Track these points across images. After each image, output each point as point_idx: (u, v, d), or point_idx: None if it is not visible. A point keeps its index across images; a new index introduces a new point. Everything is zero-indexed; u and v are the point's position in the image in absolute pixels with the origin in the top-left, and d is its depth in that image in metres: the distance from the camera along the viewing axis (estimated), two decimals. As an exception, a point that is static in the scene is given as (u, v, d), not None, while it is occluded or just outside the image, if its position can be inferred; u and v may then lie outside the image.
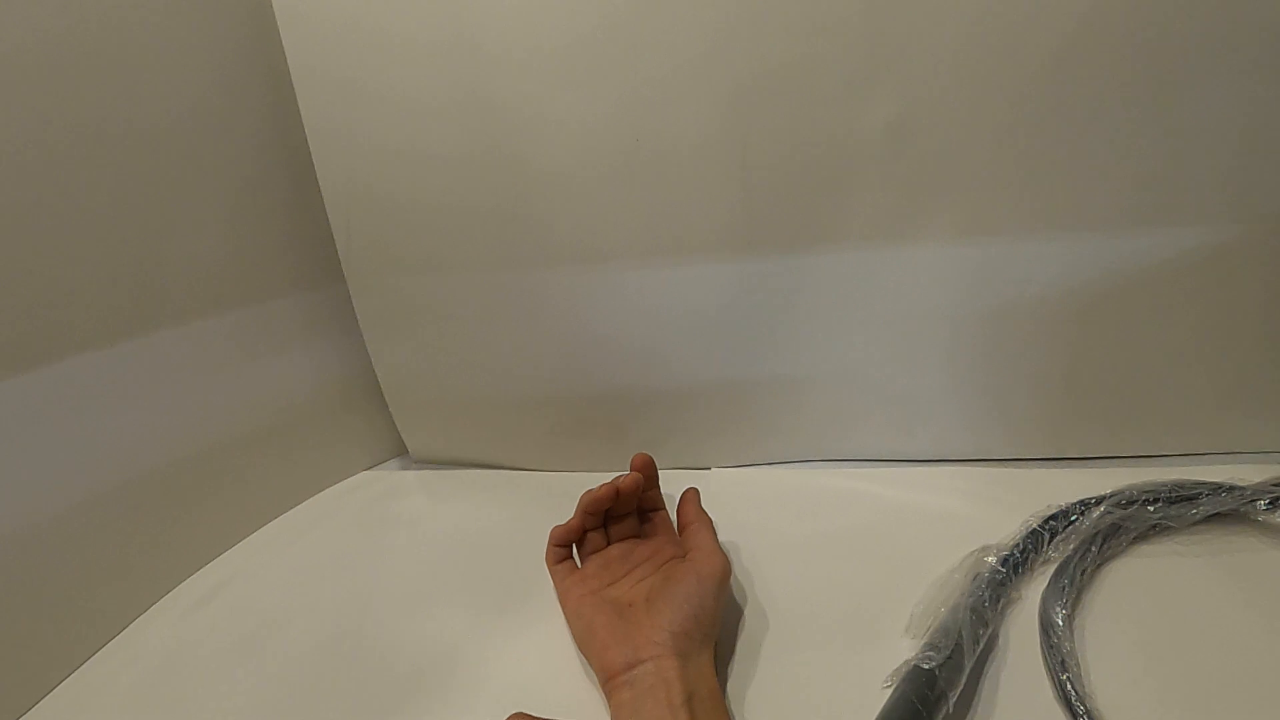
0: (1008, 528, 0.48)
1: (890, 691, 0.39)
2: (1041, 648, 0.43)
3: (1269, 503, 0.45)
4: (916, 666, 0.39)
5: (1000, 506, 0.51)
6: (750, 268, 0.55)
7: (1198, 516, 0.46)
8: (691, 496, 0.51)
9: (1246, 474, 0.48)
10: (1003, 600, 0.45)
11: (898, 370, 0.56)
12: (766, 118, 0.50)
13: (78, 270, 0.49)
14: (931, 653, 0.39)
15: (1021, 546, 0.47)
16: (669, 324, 0.58)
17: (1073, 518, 0.48)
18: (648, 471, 0.49)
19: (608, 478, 0.48)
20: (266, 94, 0.55)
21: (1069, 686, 0.40)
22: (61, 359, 0.49)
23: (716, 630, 0.44)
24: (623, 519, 0.50)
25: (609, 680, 0.42)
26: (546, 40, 0.50)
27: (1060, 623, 0.43)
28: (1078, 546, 0.46)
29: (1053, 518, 0.48)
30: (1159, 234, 0.49)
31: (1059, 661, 0.42)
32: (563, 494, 0.53)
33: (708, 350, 0.58)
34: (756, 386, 0.59)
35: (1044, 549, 0.47)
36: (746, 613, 0.48)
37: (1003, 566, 0.46)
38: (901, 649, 0.42)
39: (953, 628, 0.41)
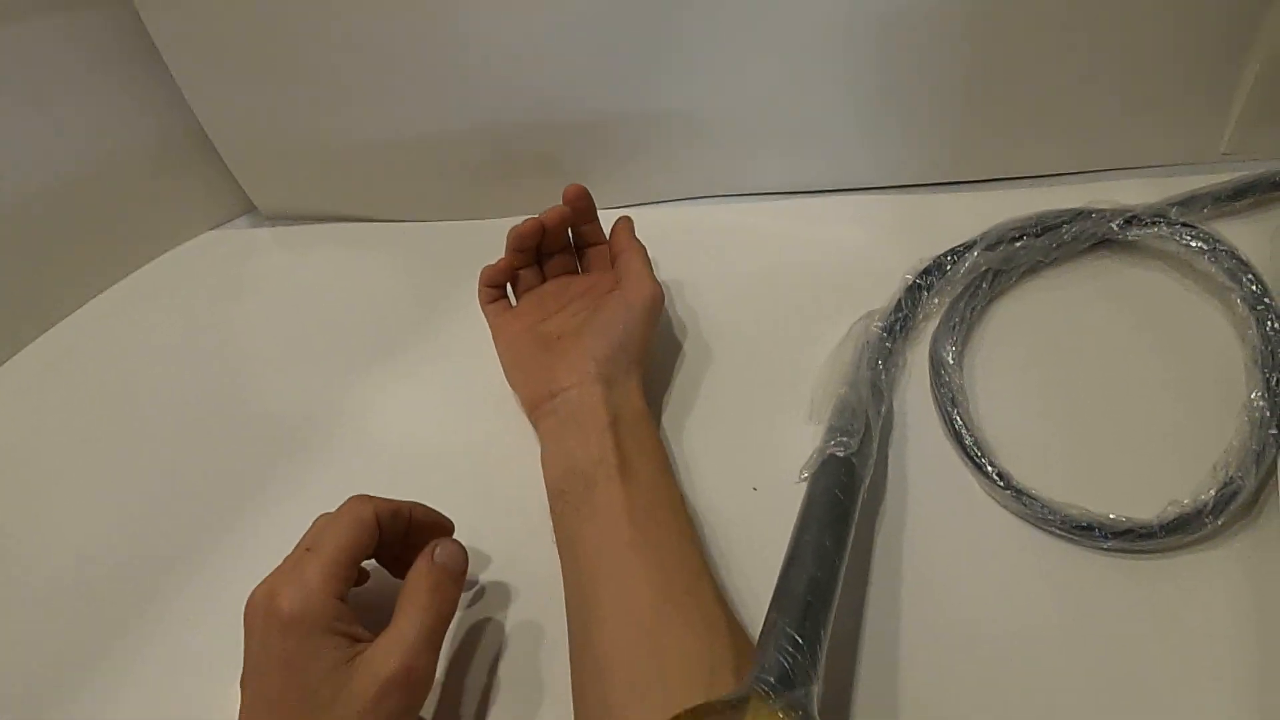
0: (908, 259, 0.47)
1: (808, 485, 0.37)
2: (932, 387, 0.43)
3: (1124, 222, 0.46)
4: (832, 455, 0.37)
5: (899, 236, 0.50)
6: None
7: (1064, 245, 0.46)
8: (623, 225, 0.47)
9: (1149, 190, 0.48)
10: (894, 369, 0.44)
11: (790, 95, 0.52)
12: None
13: None
14: (844, 438, 0.38)
15: (902, 307, 0.46)
16: (543, 51, 0.51)
17: (946, 268, 0.47)
18: (579, 204, 0.46)
19: (491, 225, 0.45)
20: None
21: (958, 421, 0.41)
22: None
23: (644, 356, 0.43)
24: (558, 255, 0.48)
25: (534, 410, 0.42)
26: None
27: (950, 360, 0.43)
28: (965, 288, 0.46)
29: (927, 271, 0.47)
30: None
31: (949, 399, 0.42)
32: (435, 245, 0.53)
33: (591, 82, 0.52)
34: (645, 121, 0.54)
35: (924, 304, 0.46)
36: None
37: (887, 333, 0.45)
38: (806, 426, 0.41)
39: (858, 408, 0.39)
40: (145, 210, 0.59)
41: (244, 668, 0.32)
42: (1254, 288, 0.41)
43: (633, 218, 0.48)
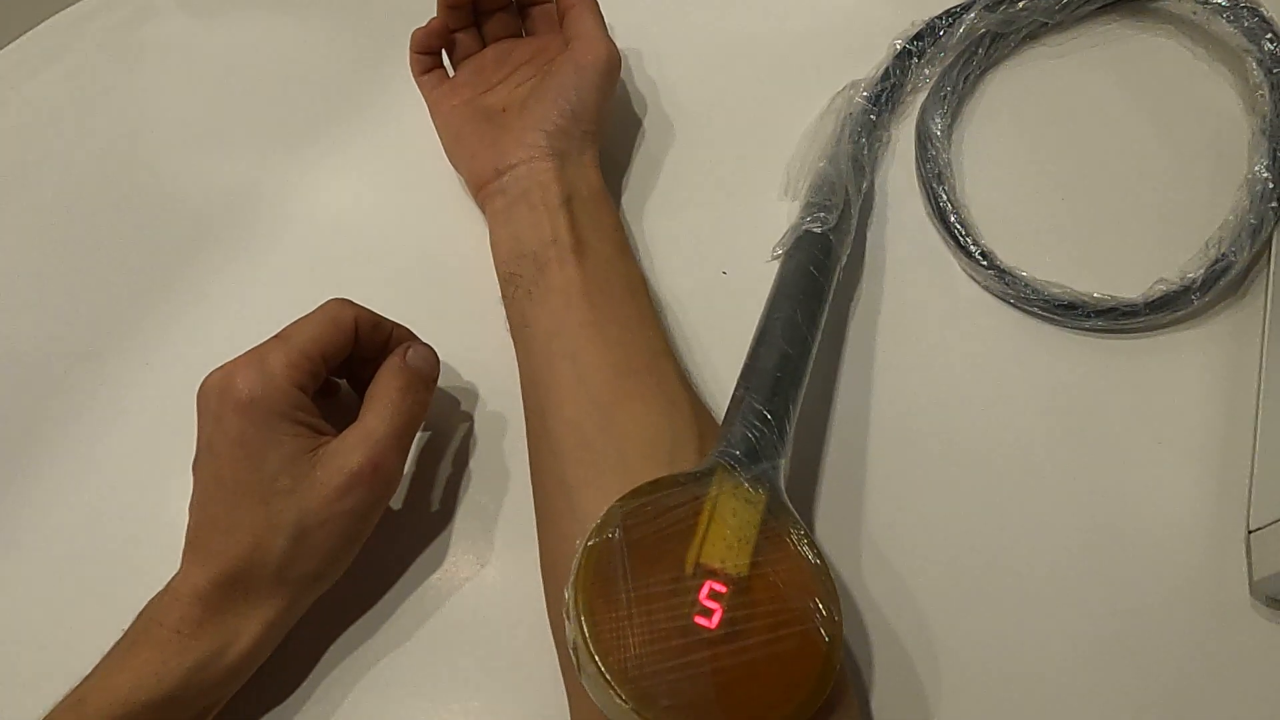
0: (898, 23, 0.42)
1: (781, 262, 0.35)
2: (917, 162, 0.40)
3: (1139, -22, 0.41)
4: (808, 231, 0.34)
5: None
6: None
7: (1070, 5, 0.41)
8: None
9: None
10: (877, 143, 0.40)
11: None
12: None
13: None
14: (822, 214, 0.35)
15: (890, 75, 0.41)
16: None
17: (940, 34, 0.42)
18: None
19: None
20: None
21: (943, 197, 0.38)
22: None
23: (599, 127, 0.39)
24: (498, 14, 0.43)
25: (480, 190, 0.39)
26: None
27: (939, 133, 0.40)
28: (959, 55, 0.41)
29: (919, 36, 0.42)
30: None
31: (935, 174, 0.39)
32: (365, 5, 0.48)
33: None
34: None
35: (913, 73, 0.42)
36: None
37: (872, 103, 0.41)
38: (781, 203, 0.38)
39: (838, 182, 0.36)
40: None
41: (197, 451, 0.31)
42: (1275, 48, 0.37)
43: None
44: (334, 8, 0.51)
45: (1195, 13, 0.41)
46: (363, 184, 0.44)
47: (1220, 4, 0.39)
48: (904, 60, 0.42)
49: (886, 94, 0.41)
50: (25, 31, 0.52)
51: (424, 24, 0.41)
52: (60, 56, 0.51)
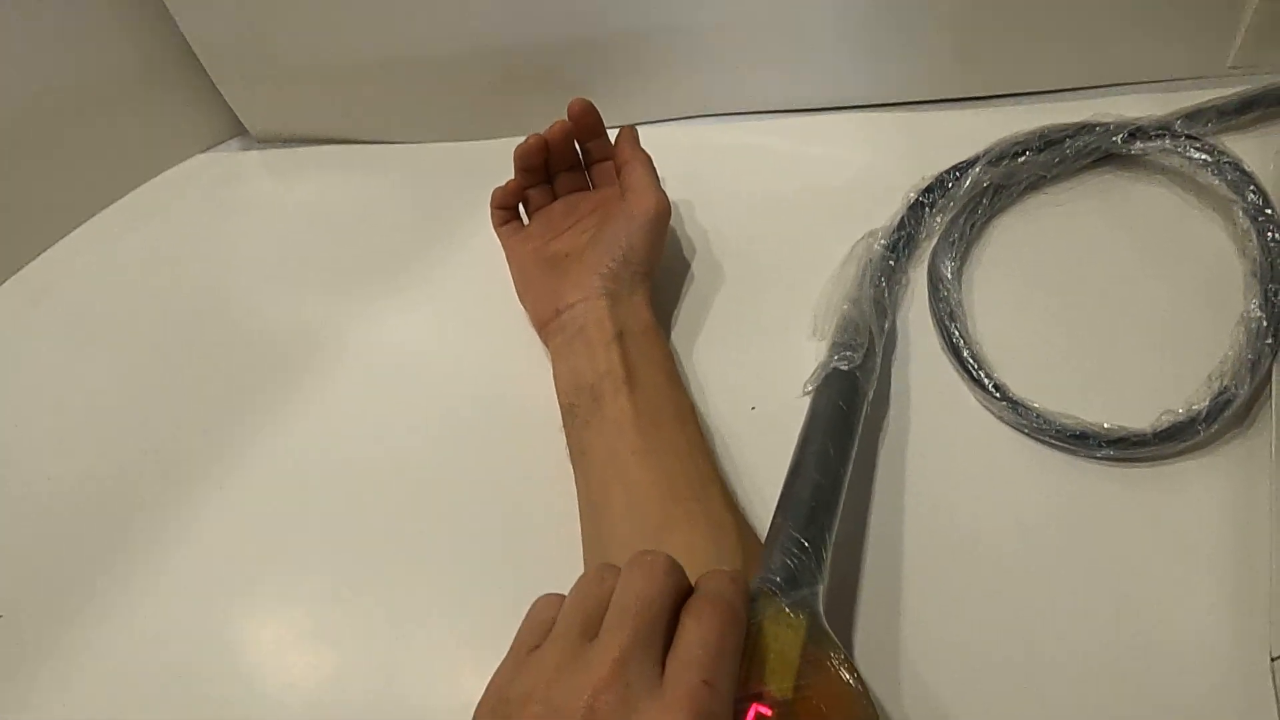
0: (910, 177, 0.47)
1: (812, 398, 0.38)
2: (930, 302, 0.44)
3: (1128, 135, 0.45)
4: (836, 369, 0.38)
5: (902, 153, 0.50)
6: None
7: (1067, 160, 0.46)
8: (626, 136, 0.47)
9: (1154, 105, 0.47)
10: (896, 286, 0.44)
11: (789, 10, 0.51)
12: None
13: None
14: (848, 353, 0.38)
15: (905, 225, 0.46)
16: None
17: (949, 186, 0.46)
18: (583, 120, 0.46)
19: (493, 145, 0.46)
20: None
21: (956, 334, 0.42)
22: None
23: (651, 269, 0.44)
24: (567, 172, 0.48)
25: (543, 328, 0.43)
26: None
27: (949, 275, 0.44)
28: (966, 204, 0.46)
29: (930, 189, 0.47)
30: None
31: (947, 313, 0.42)
32: (435, 167, 0.53)
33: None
34: (647, 36, 0.53)
35: (926, 222, 0.46)
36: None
37: (890, 250, 0.45)
38: (810, 342, 0.42)
39: (861, 323, 0.40)
40: (134, 133, 0.58)
41: None
42: (1256, 199, 0.41)
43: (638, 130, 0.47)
44: (407, 167, 0.58)
45: (1183, 165, 0.45)
46: (440, 322, 0.49)
47: (1204, 159, 0.43)
48: (917, 211, 0.46)
49: (903, 241, 0.45)
50: (128, 191, 0.59)
51: (503, 184, 0.47)
52: (160, 212, 0.58)
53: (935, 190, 0.46)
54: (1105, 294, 0.43)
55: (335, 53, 0.55)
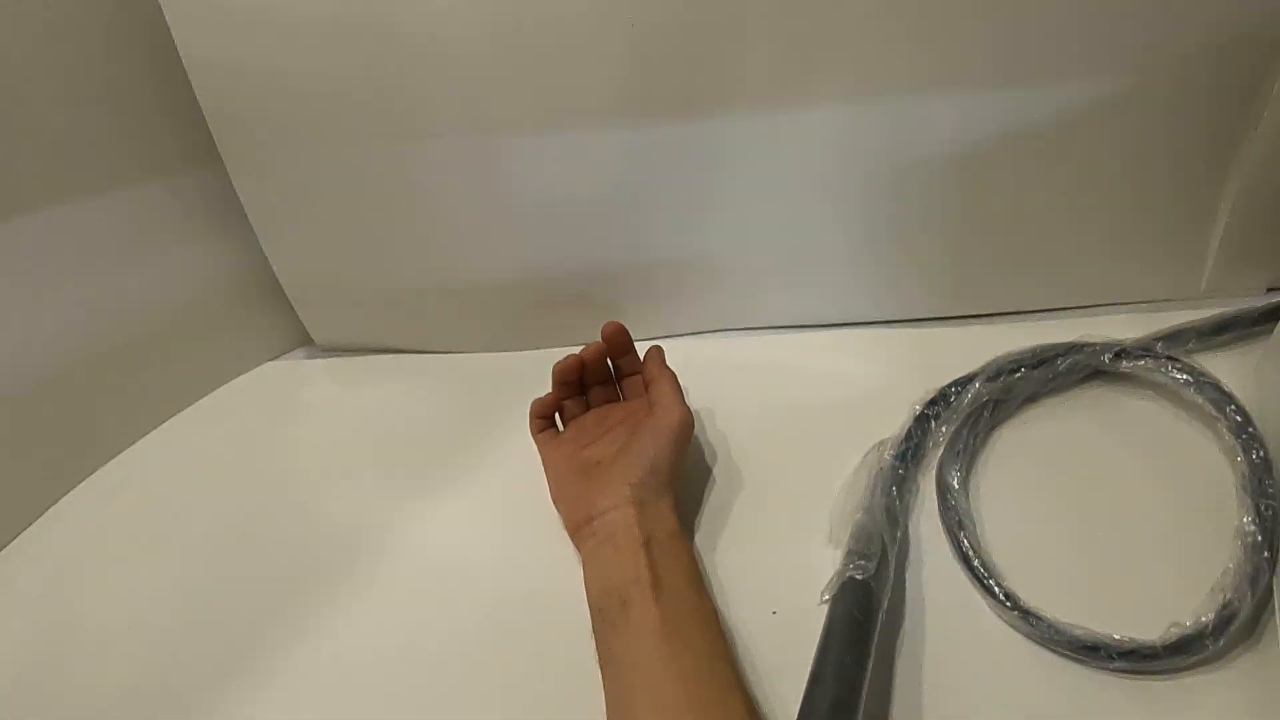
0: (914, 390, 0.51)
1: (829, 607, 0.40)
2: (939, 510, 0.46)
3: (1114, 355, 0.50)
4: (851, 578, 0.40)
5: (906, 368, 0.55)
6: (646, 136, 0.54)
7: (1060, 376, 0.50)
8: (654, 354, 0.52)
9: (1139, 324, 0.52)
10: (907, 494, 0.47)
11: (798, 239, 0.58)
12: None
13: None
14: (863, 562, 0.41)
15: (912, 435, 0.49)
16: (581, 208, 0.58)
17: (951, 399, 0.50)
18: (615, 340, 0.51)
19: (533, 355, 0.51)
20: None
21: (966, 544, 0.44)
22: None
23: (676, 478, 0.47)
24: (600, 385, 0.53)
25: (575, 533, 0.46)
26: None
27: (956, 485, 0.47)
28: (968, 417, 0.49)
29: (934, 402, 0.51)
30: (1042, 90, 0.50)
31: (956, 522, 0.45)
32: (479, 375, 0.59)
33: (611, 229, 0.59)
34: (671, 263, 0.60)
35: (932, 432, 0.50)
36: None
37: (899, 460, 0.48)
38: (827, 548, 0.44)
39: (875, 532, 0.42)
40: (213, 344, 0.65)
41: None
42: (1238, 418, 0.44)
43: (663, 347, 0.52)
44: (455, 374, 0.63)
45: (1167, 383, 0.48)
46: (481, 522, 0.52)
47: (1186, 379, 0.47)
48: (923, 422, 0.50)
49: (910, 451, 0.48)
50: (205, 395, 0.65)
51: (542, 396, 0.52)
52: (233, 414, 0.63)
53: (939, 403, 0.50)
54: (1107, 502, 0.45)
55: (398, 278, 0.62)
